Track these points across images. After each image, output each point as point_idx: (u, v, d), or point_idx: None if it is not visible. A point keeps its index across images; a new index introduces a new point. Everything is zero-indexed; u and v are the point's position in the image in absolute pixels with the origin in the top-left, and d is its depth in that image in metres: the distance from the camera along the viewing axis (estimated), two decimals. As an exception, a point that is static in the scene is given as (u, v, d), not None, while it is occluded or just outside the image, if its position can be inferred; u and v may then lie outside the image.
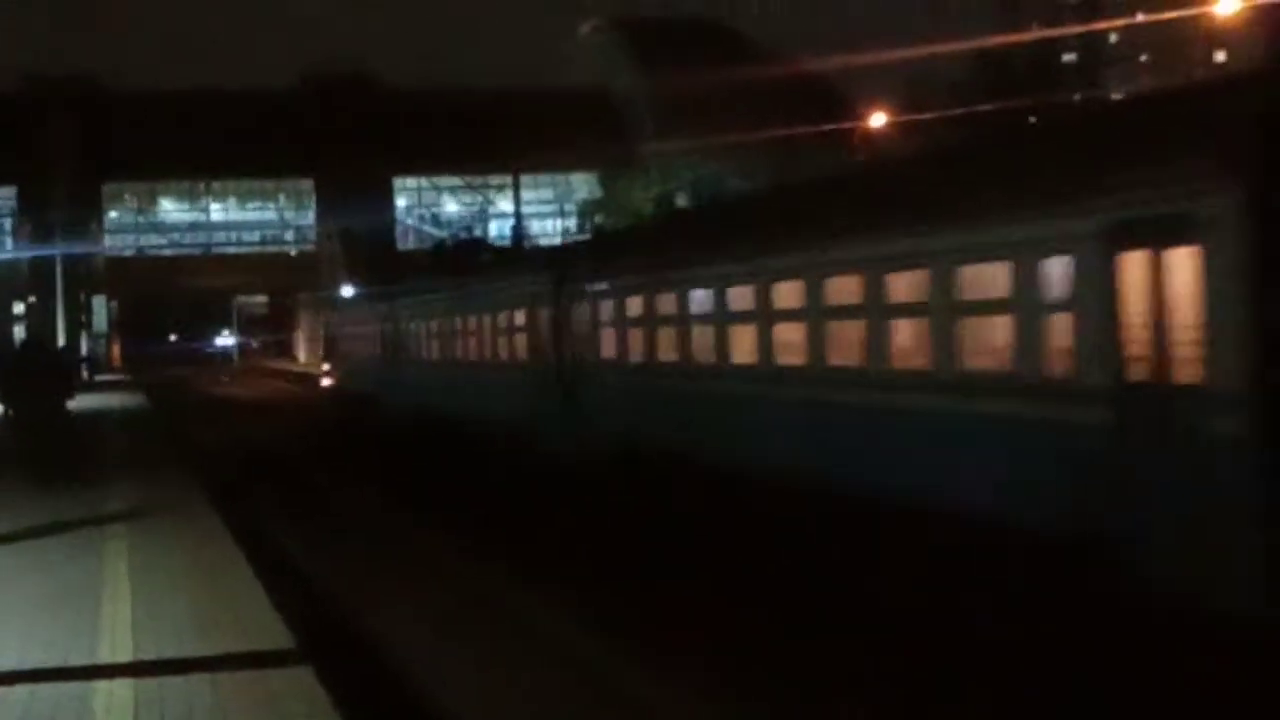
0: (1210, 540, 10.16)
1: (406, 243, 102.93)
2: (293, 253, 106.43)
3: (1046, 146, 13.96)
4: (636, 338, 21.22)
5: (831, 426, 15.41)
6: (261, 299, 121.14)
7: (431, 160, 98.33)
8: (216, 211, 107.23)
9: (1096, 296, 11.30)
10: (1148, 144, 11.18)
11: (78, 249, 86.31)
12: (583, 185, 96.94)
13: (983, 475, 12.70)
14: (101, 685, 11.41)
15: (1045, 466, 11.81)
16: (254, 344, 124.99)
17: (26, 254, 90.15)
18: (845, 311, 15.19)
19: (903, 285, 14.15)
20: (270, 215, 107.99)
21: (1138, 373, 10.91)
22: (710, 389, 18.52)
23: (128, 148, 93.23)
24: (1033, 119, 47.30)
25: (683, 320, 19.56)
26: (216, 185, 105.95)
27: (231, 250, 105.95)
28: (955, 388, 13.21)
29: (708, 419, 18.62)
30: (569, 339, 23.89)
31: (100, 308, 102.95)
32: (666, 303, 20.06)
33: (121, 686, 11.35)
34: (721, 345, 18.33)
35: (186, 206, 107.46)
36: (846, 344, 15.18)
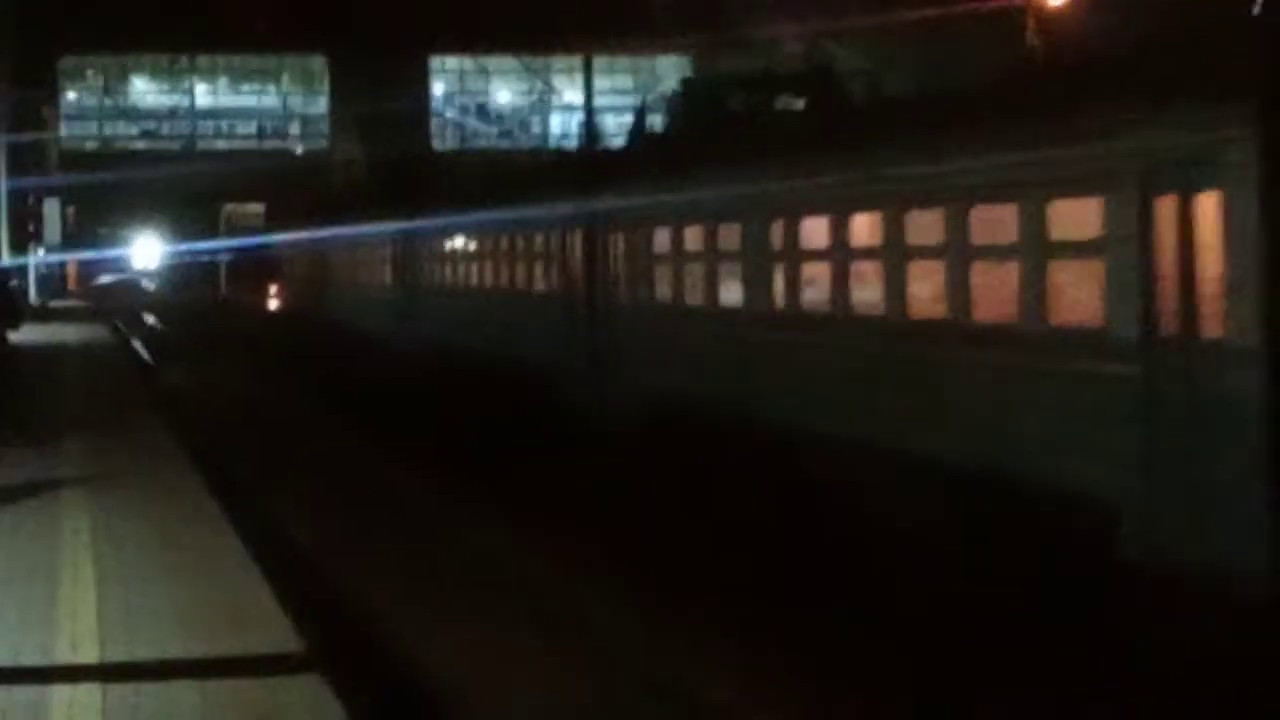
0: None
1: (444, 141, 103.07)
2: (298, 150, 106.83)
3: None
4: (430, 271, 42.35)
5: (489, 322, 35.28)
6: (257, 208, 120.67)
7: (478, 34, 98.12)
8: (203, 96, 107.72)
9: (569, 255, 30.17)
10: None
11: (24, 139, 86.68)
12: (671, 71, 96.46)
13: (542, 342, 30.64)
14: (61, 692, 11.50)
15: (569, 341, 28.67)
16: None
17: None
18: (492, 258, 36.10)
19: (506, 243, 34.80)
20: (271, 102, 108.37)
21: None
22: (456, 307, 38.75)
23: (91, 12, 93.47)
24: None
25: (446, 261, 41.09)
26: (203, 62, 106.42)
27: (221, 145, 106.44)
28: (525, 298, 32.62)
29: (452, 322, 39.09)
30: (409, 273, 44.11)
31: (54, 214, 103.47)
32: (436, 249, 41.68)
33: (86, 694, 11.43)
34: (463, 280, 39.31)
35: (165, 88, 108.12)
36: (495, 275, 35.78)
